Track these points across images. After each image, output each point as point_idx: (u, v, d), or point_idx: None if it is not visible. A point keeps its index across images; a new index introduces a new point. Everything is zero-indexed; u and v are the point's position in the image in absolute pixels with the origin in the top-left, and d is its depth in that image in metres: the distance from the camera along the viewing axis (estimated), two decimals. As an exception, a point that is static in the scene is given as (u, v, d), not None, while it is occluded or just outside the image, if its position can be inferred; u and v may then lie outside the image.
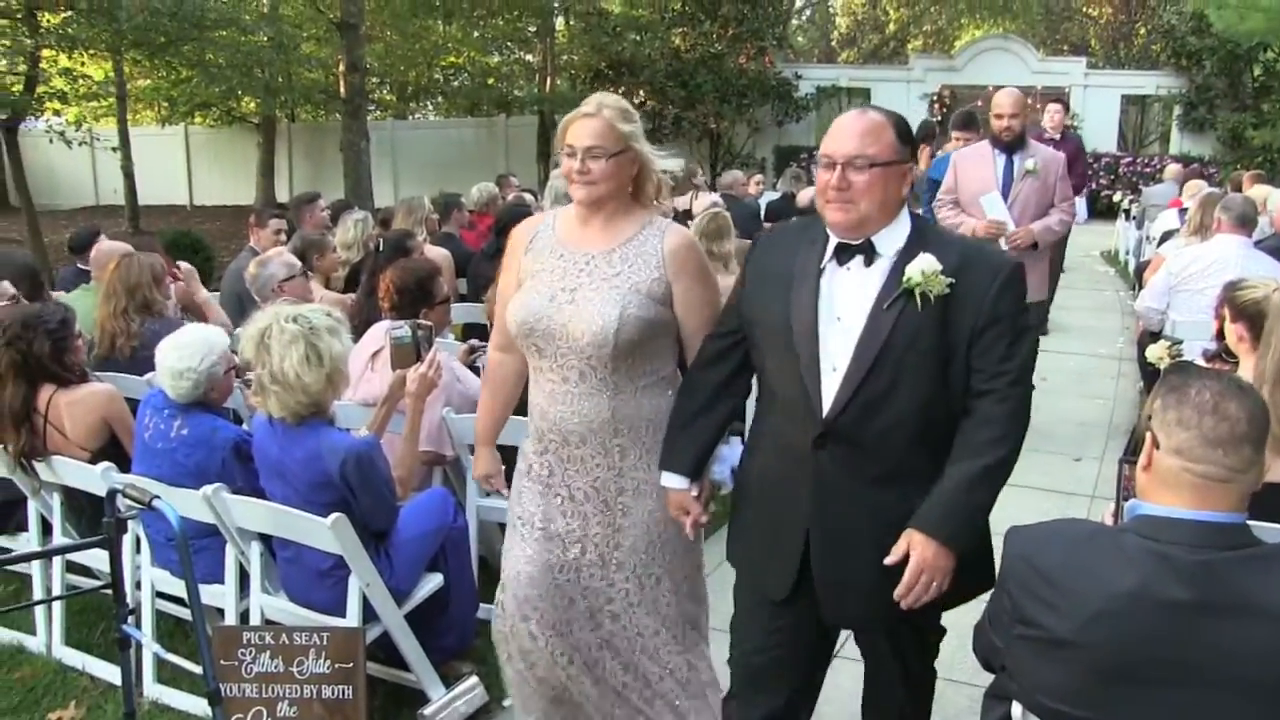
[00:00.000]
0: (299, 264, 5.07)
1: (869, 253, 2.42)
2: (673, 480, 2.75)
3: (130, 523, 3.26)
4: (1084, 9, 24.72)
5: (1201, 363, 4.04)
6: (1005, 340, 2.36)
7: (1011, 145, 5.94)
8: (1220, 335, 3.86)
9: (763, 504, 2.64)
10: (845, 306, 2.43)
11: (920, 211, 5.90)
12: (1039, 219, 5.85)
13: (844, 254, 2.44)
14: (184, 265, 6.04)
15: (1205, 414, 1.88)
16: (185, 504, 3.22)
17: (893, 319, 2.35)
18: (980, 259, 2.42)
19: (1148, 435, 1.97)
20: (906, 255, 2.38)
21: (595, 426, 2.81)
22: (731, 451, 2.83)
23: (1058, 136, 8.57)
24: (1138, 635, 1.83)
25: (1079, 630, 1.86)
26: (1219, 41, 17.18)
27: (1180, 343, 4.91)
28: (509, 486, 3.09)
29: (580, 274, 2.80)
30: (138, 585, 3.67)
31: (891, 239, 2.41)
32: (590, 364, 2.76)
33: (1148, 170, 17.68)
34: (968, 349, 2.37)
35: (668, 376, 2.89)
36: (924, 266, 2.34)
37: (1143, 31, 21.87)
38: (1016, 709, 2.09)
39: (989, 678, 2.24)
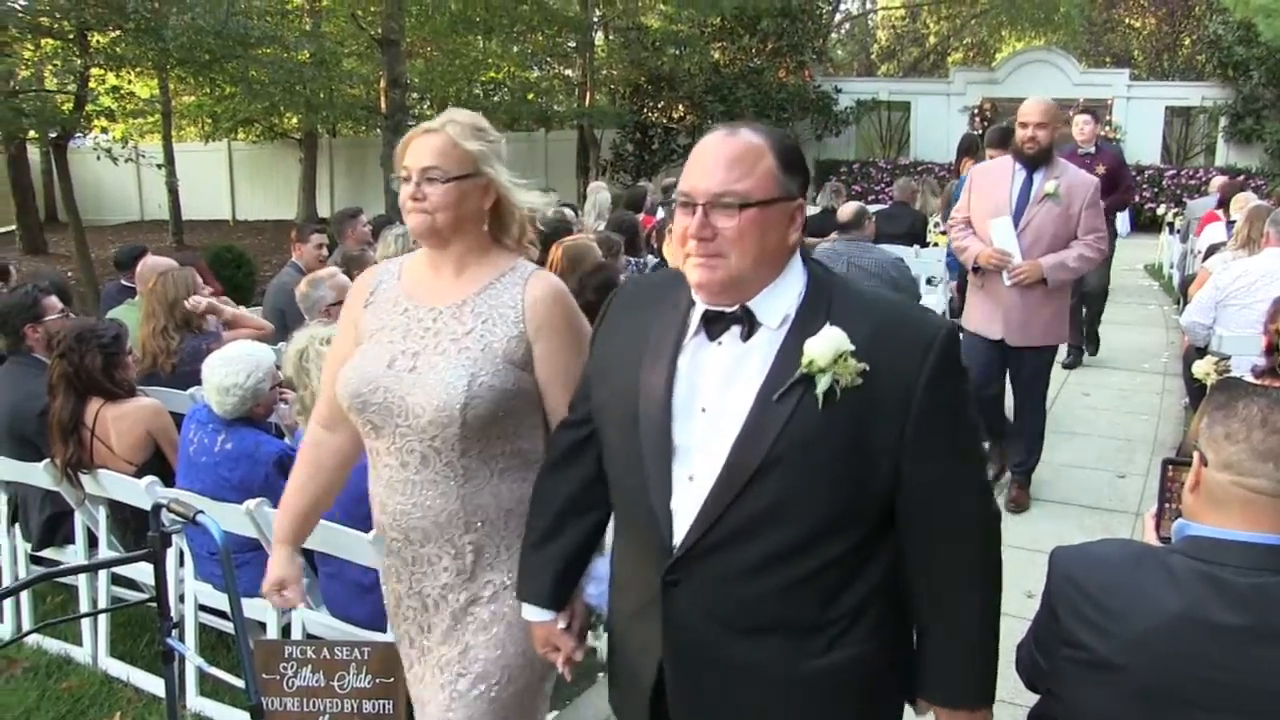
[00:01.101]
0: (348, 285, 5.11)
1: (748, 323, 1.81)
2: (532, 612, 2.17)
3: (174, 537, 3.29)
4: (1127, 20, 24.47)
5: (1250, 379, 3.98)
6: (945, 441, 1.78)
7: (1034, 161, 5.10)
8: (1270, 350, 3.81)
9: (623, 647, 2.07)
10: (712, 395, 1.82)
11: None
12: (1055, 251, 5.07)
13: (714, 324, 1.83)
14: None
15: (1254, 427, 1.85)
16: (228, 518, 3.25)
17: (783, 416, 1.74)
18: (903, 327, 1.78)
19: (1195, 454, 1.94)
20: (801, 325, 1.78)
21: (442, 521, 2.30)
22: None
23: (1091, 150, 7.81)
24: (1185, 659, 1.80)
25: (1125, 652, 1.84)
26: (1268, 51, 16.93)
27: (1228, 358, 4.83)
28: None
29: (425, 334, 2.30)
30: (180, 598, 3.71)
31: (778, 303, 1.80)
32: (434, 446, 2.24)
33: (1192, 183, 17.45)
34: (893, 458, 1.77)
35: (535, 456, 2.34)
36: (830, 344, 1.73)
37: (1187, 42, 21.62)
38: (1062, 730, 2.07)
39: (1030, 697, 2.21)
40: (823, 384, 1.71)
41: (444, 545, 2.31)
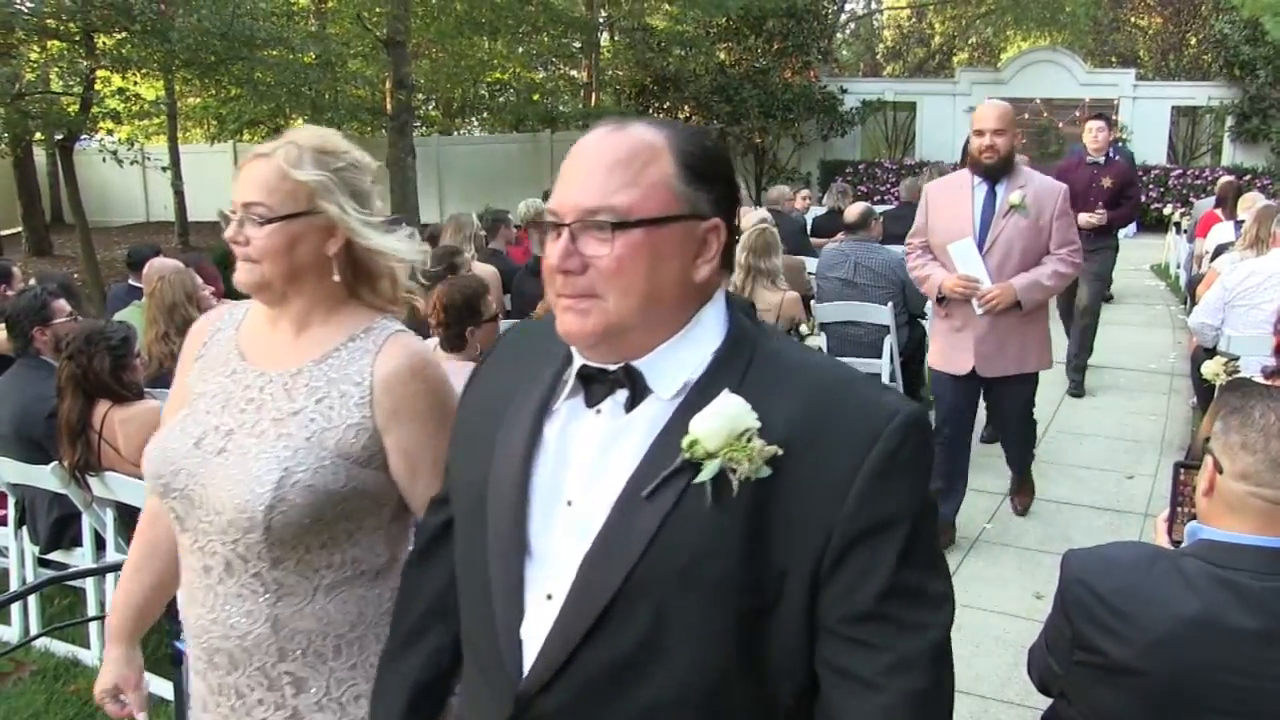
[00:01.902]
0: None
1: (632, 389, 1.31)
2: None
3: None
4: (1133, 20, 24.43)
5: (1260, 379, 3.96)
6: (884, 571, 1.22)
7: (994, 171, 4.65)
8: (1278, 351, 3.79)
9: None
10: (579, 483, 1.32)
11: None
12: (1027, 268, 4.66)
13: (595, 385, 1.33)
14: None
15: (1272, 437, 1.85)
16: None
17: (656, 519, 1.23)
18: (845, 405, 1.26)
19: (1208, 458, 1.93)
20: (700, 396, 1.27)
21: (249, 645, 1.77)
22: None
23: (1100, 160, 7.43)
24: (1201, 663, 1.79)
25: (1141, 657, 1.83)
26: (1275, 50, 16.90)
27: (1237, 359, 4.81)
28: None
29: (247, 406, 1.80)
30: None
31: (677, 364, 1.30)
32: (237, 552, 1.74)
33: (1198, 182, 17.42)
34: (810, 585, 1.24)
35: (377, 567, 1.84)
36: (723, 419, 1.22)
37: (1193, 41, 21.57)
38: (1075, 735, 2.06)
39: (1042, 700, 2.21)
40: (707, 472, 1.20)
41: (255, 675, 1.78)
